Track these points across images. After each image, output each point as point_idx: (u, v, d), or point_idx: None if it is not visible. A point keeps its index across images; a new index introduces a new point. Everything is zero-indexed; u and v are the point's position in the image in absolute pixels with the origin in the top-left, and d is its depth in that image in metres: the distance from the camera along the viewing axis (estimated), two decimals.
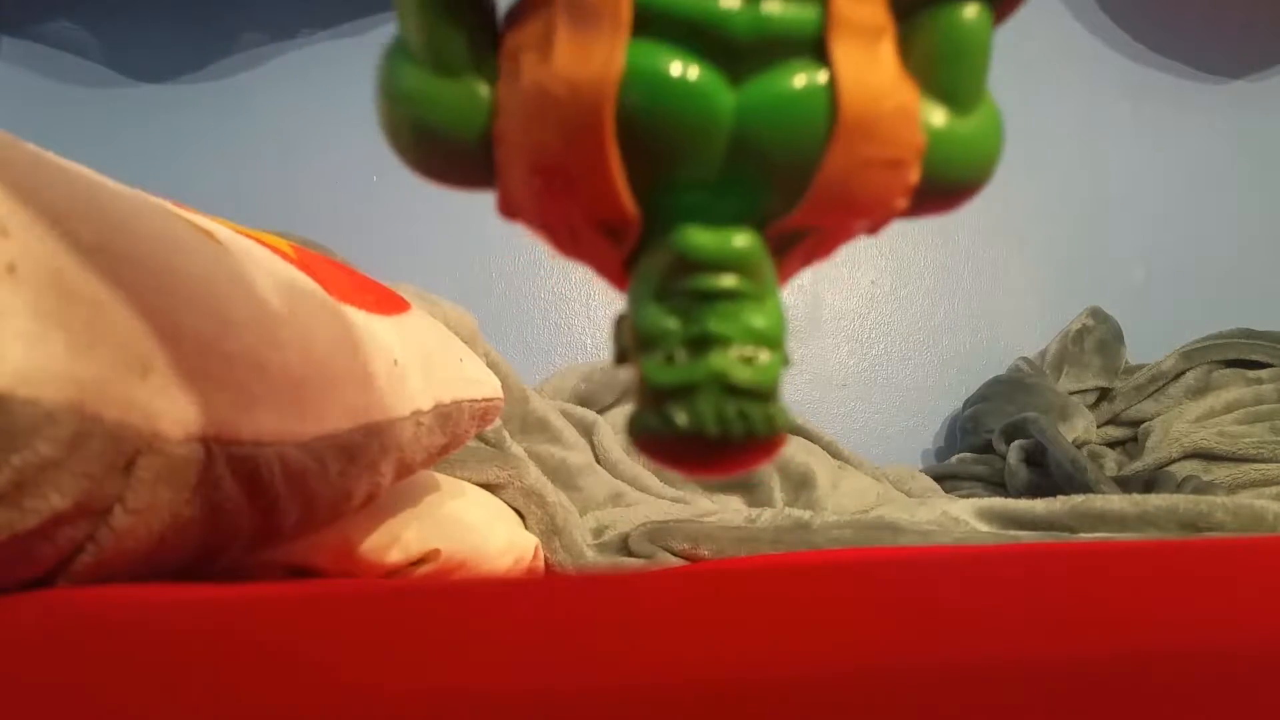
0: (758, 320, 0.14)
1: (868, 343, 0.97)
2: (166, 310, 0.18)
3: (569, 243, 0.15)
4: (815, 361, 0.96)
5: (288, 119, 0.93)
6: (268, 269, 0.23)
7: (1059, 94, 1.02)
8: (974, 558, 0.21)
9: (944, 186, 0.14)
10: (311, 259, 0.27)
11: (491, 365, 0.37)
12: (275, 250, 0.25)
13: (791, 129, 0.13)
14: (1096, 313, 0.94)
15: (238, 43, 0.94)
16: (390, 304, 0.29)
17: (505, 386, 0.36)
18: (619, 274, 0.15)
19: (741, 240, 0.14)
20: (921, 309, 0.98)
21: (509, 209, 0.15)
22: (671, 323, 0.14)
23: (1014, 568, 0.17)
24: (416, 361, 0.28)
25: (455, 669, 0.12)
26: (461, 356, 0.32)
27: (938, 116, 0.14)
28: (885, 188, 0.14)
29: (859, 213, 0.14)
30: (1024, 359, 0.93)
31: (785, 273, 0.15)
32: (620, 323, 0.15)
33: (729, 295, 0.14)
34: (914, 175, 0.14)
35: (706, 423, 0.14)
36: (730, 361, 0.14)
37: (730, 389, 0.14)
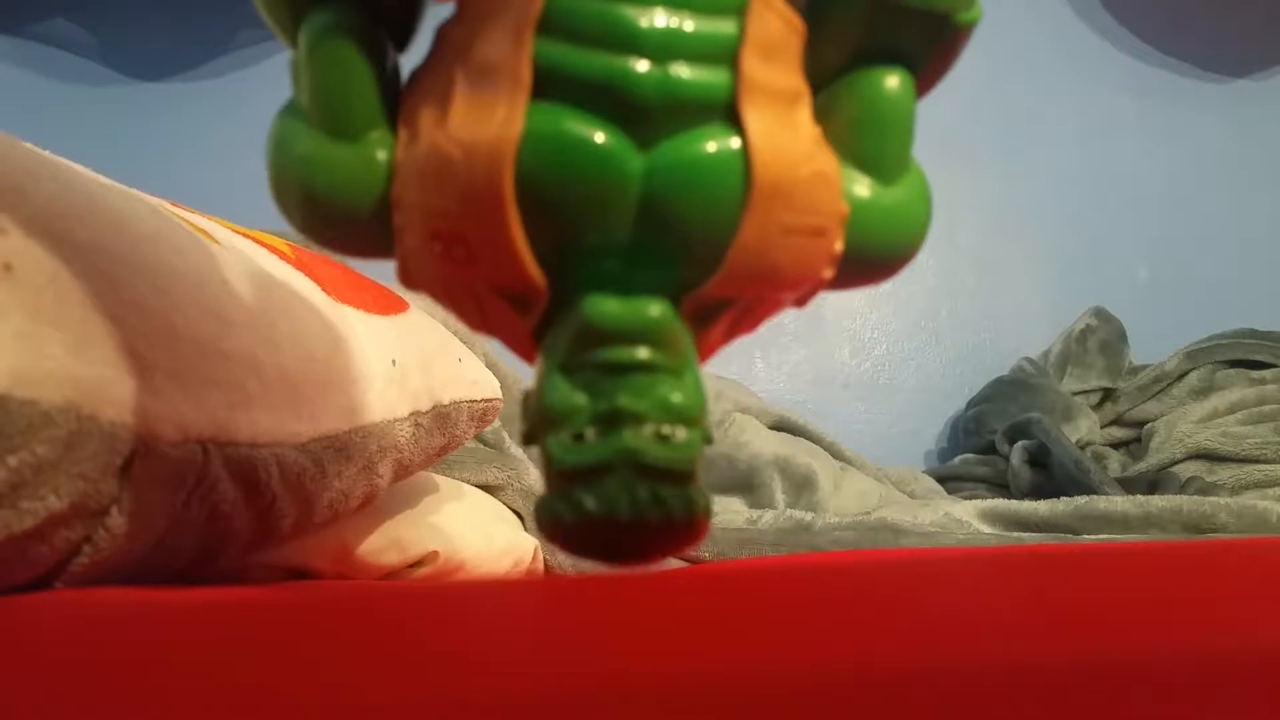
0: (674, 395, 0.13)
1: (870, 343, 0.97)
2: (163, 310, 0.18)
3: (475, 314, 0.14)
4: (817, 363, 0.96)
5: None
6: (265, 269, 0.23)
7: (1063, 93, 1.02)
8: (977, 560, 0.21)
9: (871, 257, 0.14)
10: (309, 258, 0.27)
11: (490, 365, 0.37)
12: (273, 250, 0.25)
13: (703, 195, 0.12)
14: (1100, 313, 0.94)
15: (234, 41, 0.95)
16: (389, 303, 0.29)
17: (504, 387, 0.35)
18: (527, 346, 0.14)
19: (654, 310, 0.13)
20: (924, 309, 0.98)
21: (409, 278, 0.14)
22: (580, 398, 0.13)
23: (1017, 569, 0.17)
24: (415, 361, 0.28)
25: (454, 672, 0.11)
26: (460, 356, 0.32)
27: (861, 186, 0.14)
28: (807, 257, 0.13)
29: (780, 282, 0.13)
30: (1027, 359, 0.93)
31: (707, 347, 0.15)
32: (528, 399, 0.14)
33: (641, 368, 0.13)
34: (837, 245, 0.13)
35: (618, 506, 0.13)
36: (644, 439, 0.13)
37: (644, 469, 0.13)
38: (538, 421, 0.14)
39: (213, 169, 0.90)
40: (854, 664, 0.11)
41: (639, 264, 0.13)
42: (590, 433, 0.13)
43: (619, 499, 0.13)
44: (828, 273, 0.14)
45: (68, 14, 0.93)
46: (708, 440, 0.14)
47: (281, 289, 0.23)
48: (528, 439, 0.14)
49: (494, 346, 0.55)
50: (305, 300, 0.24)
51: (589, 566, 0.13)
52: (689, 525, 0.13)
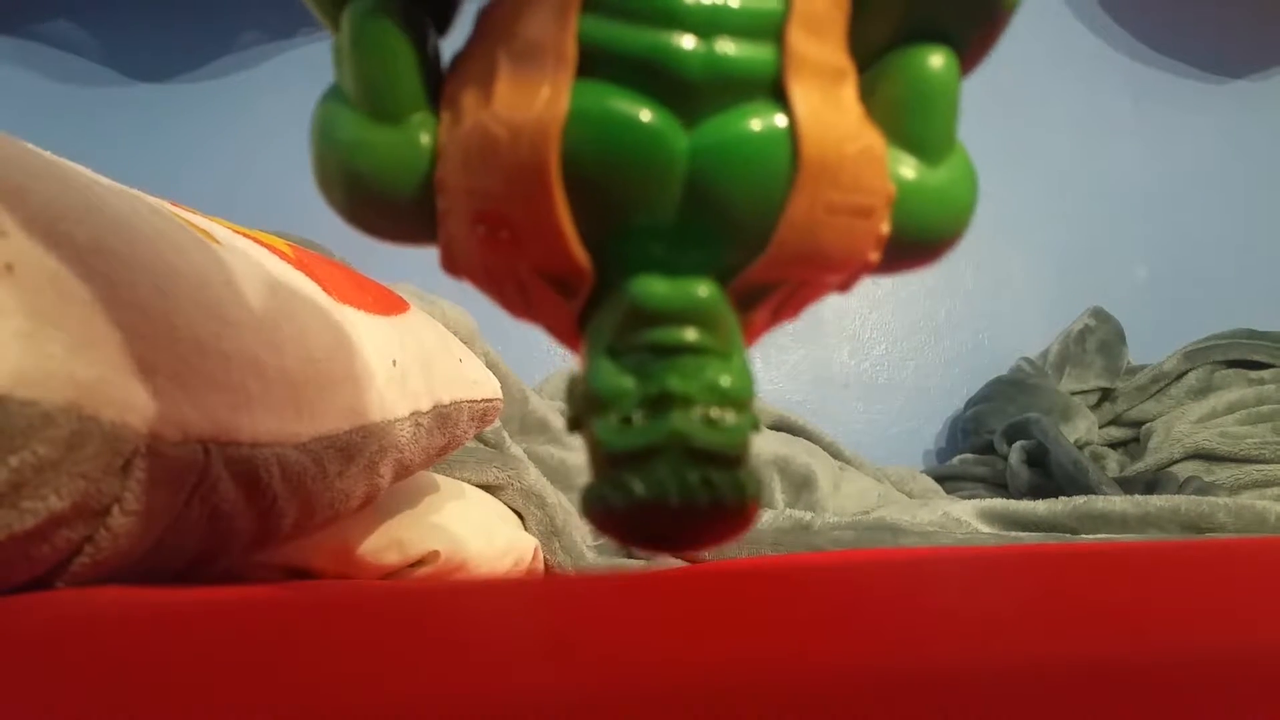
0: (723, 378, 0.13)
1: (869, 343, 0.97)
2: (164, 311, 0.18)
3: (517, 299, 0.14)
4: (816, 362, 0.96)
5: (286, 118, 0.92)
6: (266, 269, 0.23)
7: (1060, 93, 1.02)
8: (975, 559, 0.21)
9: (916, 240, 0.14)
10: (310, 259, 0.27)
11: (490, 365, 0.37)
12: (274, 250, 0.25)
13: (750, 173, 0.12)
14: (1098, 313, 0.94)
15: (236, 42, 0.94)
16: (389, 304, 0.29)
17: (504, 387, 0.35)
18: (571, 332, 0.14)
19: (702, 290, 0.13)
20: (923, 309, 0.98)
21: (452, 264, 0.14)
22: (628, 381, 0.13)
23: (1015, 569, 0.17)
24: (415, 362, 0.28)
25: (454, 672, 0.11)
26: (461, 357, 0.32)
27: (907, 167, 0.13)
28: (854, 237, 0.13)
29: (827, 264, 0.13)
30: (1026, 359, 0.93)
31: (752, 332, 0.14)
32: (573, 384, 0.14)
33: (690, 350, 0.13)
34: (884, 225, 0.13)
35: (668, 491, 0.12)
36: (693, 423, 0.13)
37: (693, 453, 0.13)
38: (584, 406, 0.13)
39: (215, 170, 0.90)
40: (852, 664, 0.11)
41: (685, 245, 0.13)
42: (638, 416, 0.13)
43: (668, 483, 0.13)
44: (874, 255, 0.14)
45: (70, 15, 0.93)
46: (756, 426, 0.13)
47: (283, 289, 0.23)
48: (573, 425, 0.14)
49: (494, 347, 0.55)
50: (306, 301, 0.24)
51: (591, 565, 0.13)
52: (739, 510, 0.13)
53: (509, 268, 0.13)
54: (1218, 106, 1.04)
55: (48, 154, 0.19)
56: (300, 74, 0.94)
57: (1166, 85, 1.04)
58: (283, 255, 0.25)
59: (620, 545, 0.15)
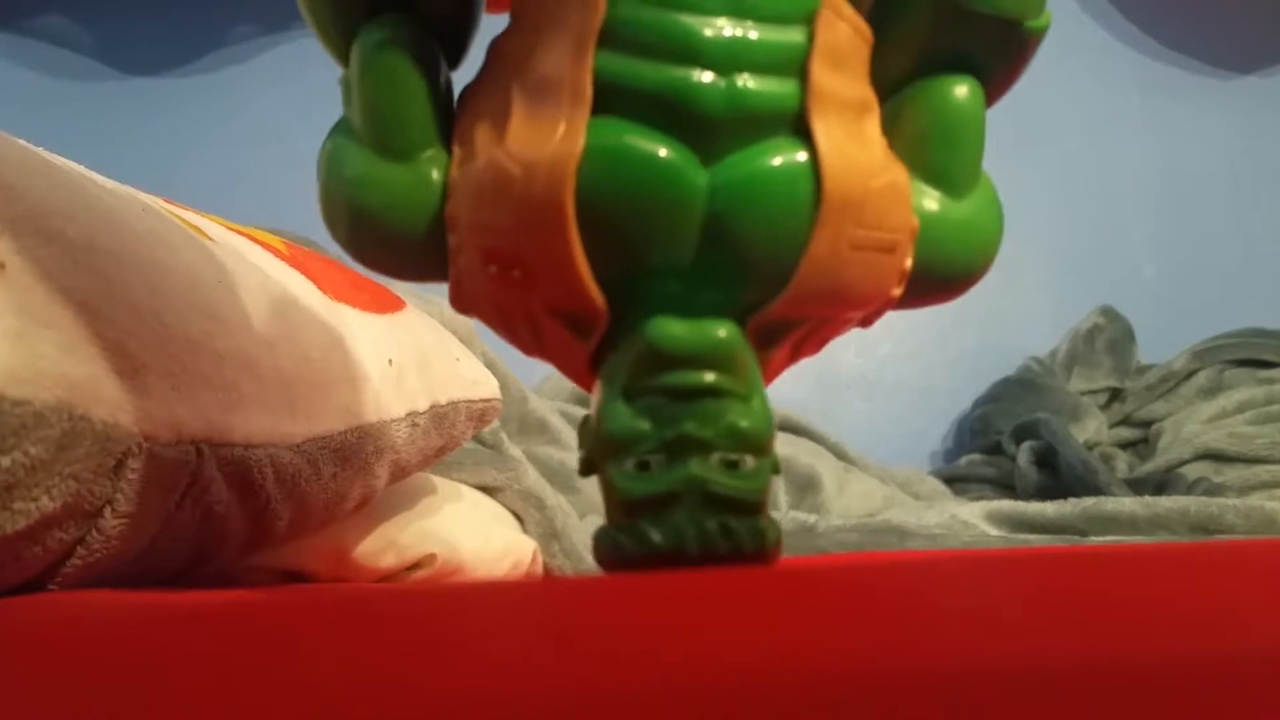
0: (742, 421, 0.13)
1: (875, 343, 0.97)
2: (156, 309, 0.18)
3: (529, 338, 0.14)
4: (821, 363, 0.95)
5: (280, 113, 0.93)
6: (260, 266, 0.23)
7: (1068, 88, 1.02)
8: (983, 561, 0.21)
9: (940, 274, 0.13)
10: (305, 256, 0.27)
11: (489, 365, 0.37)
12: (268, 247, 0.25)
13: (771, 210, 0.12)
14: (1107, 311, 0.93)
15: (229, 36, 0.95)
16: (385, 302, 0.29)
17: (503, 386, 0.35)
18: (585, 372, 0.14)
19: (722, 332, 0.13)
20: (929, 308, 0.98)
21: (462, 301, 0.14)
22: (644, 425, 0.13)
23: (1023, 571, 0.17)
24: (412, 361, 0.28)
25: (452, 675, 0.11)
26: (458, 356, 0.32)
27: (930, 200, 0.13)
28: (877, 273, 0.13)
29: (849, 301, 0.13)
30: (1034, 359, 0.93)
31: (771, 370, 0.14)
32: (586, 426, 0.14)
33: (708, 393, 0.13)
34: (907, 260, 0.13)
35: (686, 539, 0.12)
36: (711, 468, 0.12)
37: (712, 500, 0.12)
38: (598, 450, 0.13)
39: (208, 165, 0.90)
40: (856, 665, 0.11)
41: (704, 284, 0.13)
42: (656, 461, 0.13)
43: (686, 531, 0.12)
44: (897, 290, 0.13)
45: (63, 10, 0.94)
46: (776, 469, 0.13)
47: (277, 287, 0.23)
48: (586, 468, 0.14)
49: (493, 346, 0.55)
50: (301, 299, 0.24)
51: (590, 568, 0.13)
52: (759, 559, 0.13)
53: (521, 306, 0.13)
54: (1227, 102, 1.03)
55: (39, 150, 0.19)
56: (294, 68, 0.93)
57: (1175, 80, 1.03)
58: (277, 252, 0.25)
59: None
